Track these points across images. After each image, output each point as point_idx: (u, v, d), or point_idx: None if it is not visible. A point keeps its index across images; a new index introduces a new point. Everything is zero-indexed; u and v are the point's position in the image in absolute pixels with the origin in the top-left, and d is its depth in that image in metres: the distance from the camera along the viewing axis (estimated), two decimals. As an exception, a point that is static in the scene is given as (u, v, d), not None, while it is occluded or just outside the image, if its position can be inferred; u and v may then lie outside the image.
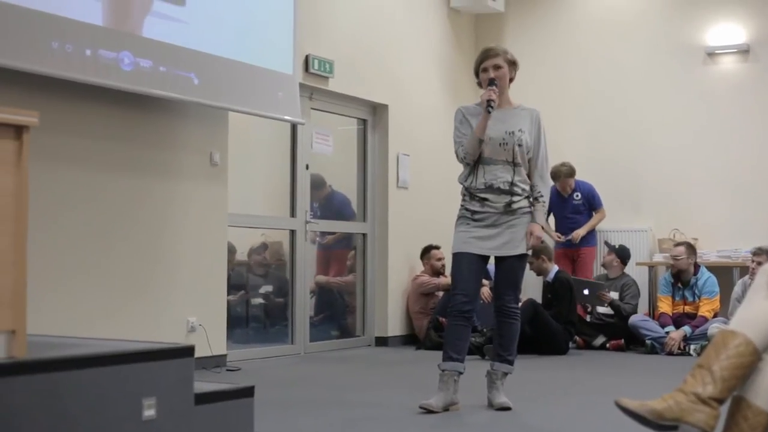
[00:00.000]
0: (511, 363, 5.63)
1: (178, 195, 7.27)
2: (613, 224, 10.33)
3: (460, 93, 10.29)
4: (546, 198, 5.60)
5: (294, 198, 8.89)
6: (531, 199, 5.57)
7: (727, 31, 10.22)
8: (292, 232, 8.88)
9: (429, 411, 5.32)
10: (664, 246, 10.03)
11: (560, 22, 11.05)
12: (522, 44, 10.65)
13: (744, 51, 10.16)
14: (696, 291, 9.08)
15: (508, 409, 5.46)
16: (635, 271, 9.94)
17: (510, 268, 5.56)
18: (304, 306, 8.93)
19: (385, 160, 9.85)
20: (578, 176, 10.32)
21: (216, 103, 7.28)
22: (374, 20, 9.64)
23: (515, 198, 5.49)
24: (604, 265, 9.70)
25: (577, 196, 9.97)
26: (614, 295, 9.46)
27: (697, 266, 9.15)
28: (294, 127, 8.81)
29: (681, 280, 9.16)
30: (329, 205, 9.54)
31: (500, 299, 5.61)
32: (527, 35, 11.07)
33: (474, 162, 5.50)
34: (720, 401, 3.09)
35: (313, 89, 8.93)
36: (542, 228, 5.57)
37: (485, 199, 5.48)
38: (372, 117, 9.91)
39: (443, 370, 5.47)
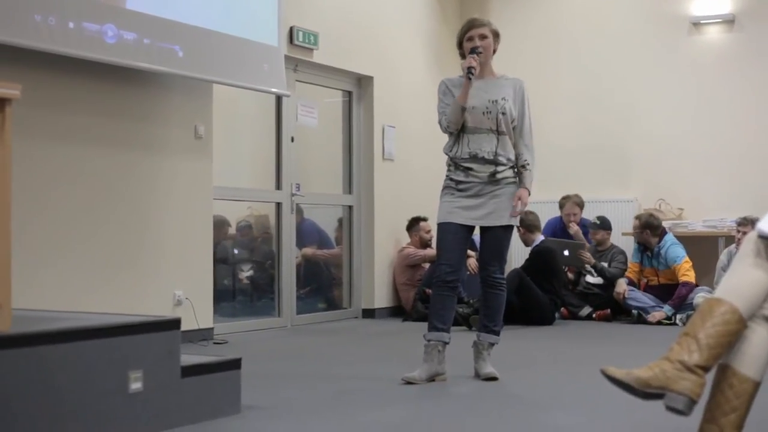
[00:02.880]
0: (497, 333, 5.65)
1: (163, 168, 7.25)
2: (599, 195, 10.35)
3: (445, 65, 10.25)
4: (533, 166, 5.59)
5: (279, 171, 8.87)
6: (517, 168, 5.58)
7: (712, 1, 10.20)
8: (278, 205, 8.86)
9: (411, 383, 5.34)
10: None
11: (545, -7, 11.02)
12: (507, 17, 10.63)
13: (729, 21, 10.15)
14: (662, 260, 9.14)
15: (494, 379, 5.48)
16: (621, 241, 9.97)
17: (495, 238, 5.56)
18: (290, 278, 8.92)
19: (371, 132, 9.83)
20: (564, 148, 10.35)
21: (200, 76, 7.24)
22: (359, -9, 9.60)
23: (499, 168, 5.48)
24: (597, 243, 9.67)
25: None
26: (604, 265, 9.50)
27: (662, 234, 9.19)
28: (279, 100, 8.79)
29: (648, 248, 9.24)
30: (300, 233, 9.38)
31: (485, 270, 5.61)
32: (512, 8, 11.04)
33: (458, 131, 5.50)
34: (706, 369, 3.10)
35: (298, 61, 8.90)
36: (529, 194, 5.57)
37: (470, 169, 5.47)
38: (357, 89, 9.88)
39: (428, 341, 5.48)
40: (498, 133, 5.49)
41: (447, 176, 5.58)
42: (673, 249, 9.09)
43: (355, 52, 9.54)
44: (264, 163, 9.10)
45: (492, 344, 5.64)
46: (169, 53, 6.88)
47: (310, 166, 9.60)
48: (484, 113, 5.47)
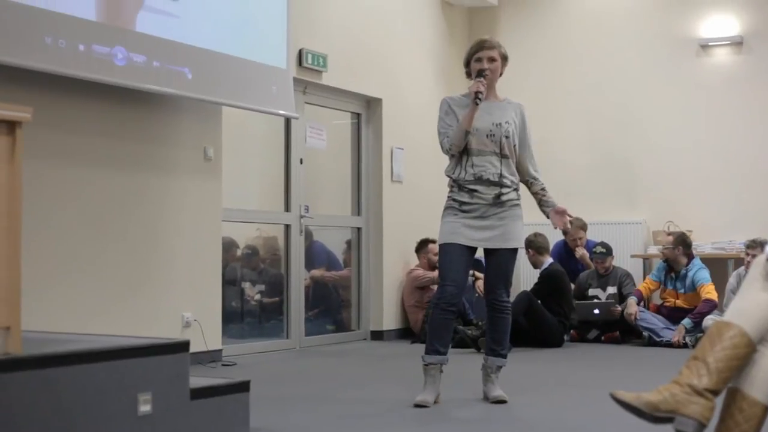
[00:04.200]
0: (504, 356, 5.62)
1: (172, 190, 7.26)
2: (607, 217, 10.34)
3: (453, 86, 10.25)
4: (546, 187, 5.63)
5: (288, 192, 8.88)
6: (536, 193, 5.59)
7: (721, 23, 10.23)
8: (287, 227, 8.87)
9: (423, 407, 5.31)
10: (658, 238, 10.03)
11: (554, 16, 11.04)
12: (515, 38, 10.66)
13: (737, 43, 10.17)
14: (687, 282, 9.07)
15: (503, 402, 5.46)
16: (629, 263, 9.95)
17: (501, 261, 5.54)
18: (299, 300, 8.92)
19: (379, 154, 9.84)
20: (572, 169, 10.36)
21: (209, 98, 7.27)
22: (368, 14, 9.63)
23: (504, 190, 5.46)
24: (606, 270, 9.56)
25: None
26: (612, 290, 9.44)
27: (690, 258, 9.13)
28: (288, 122, 8.81)
29: (673, 269, 9.17)
30: (310, 255, 9.41)
31: (491, 293, 5.59)
32: (521, 29, 11.07)
33: (461, 154, 5.48)
34: (715, 393, 3.09)
35: (307, 83, 8.92)
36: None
37: (474, 191, 5.44)
38: (366, 111, 9.90)
39: (429, 364, 5.45)
40: (501, 155, 5.47)
41: (450, 197, 5.56)
42: (701, 272, 9.03)
43: (364, 74, 9.56)
44: (273, 185, 9.11)
45: (500, 367, 5.62)
46: (178, 75, 6.91)
47: (319, 188, 9.62)
48: (487, 136, 5.45)
